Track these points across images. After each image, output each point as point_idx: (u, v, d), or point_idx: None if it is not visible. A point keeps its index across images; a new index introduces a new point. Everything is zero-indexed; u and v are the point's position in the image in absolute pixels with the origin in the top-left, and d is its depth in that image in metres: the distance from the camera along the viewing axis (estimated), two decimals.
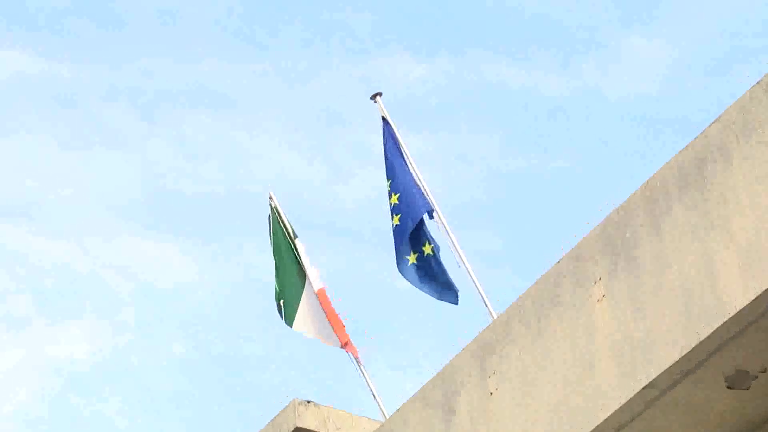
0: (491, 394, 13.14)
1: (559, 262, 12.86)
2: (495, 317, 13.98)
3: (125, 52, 48.98)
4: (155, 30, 49.04)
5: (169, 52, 49.05)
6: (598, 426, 12.10)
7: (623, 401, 11.89)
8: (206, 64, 48.71)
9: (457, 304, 16.89)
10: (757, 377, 11.58)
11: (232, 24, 49.20)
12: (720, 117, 11.66)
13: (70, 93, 47.98)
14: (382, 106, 17.84)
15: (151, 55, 49.26)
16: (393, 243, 17.25)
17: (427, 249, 17.03)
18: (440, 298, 16.99)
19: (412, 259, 17.17)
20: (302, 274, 18.46)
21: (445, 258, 17.27)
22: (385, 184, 17.58)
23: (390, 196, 17.31)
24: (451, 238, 16.86)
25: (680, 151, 11.93)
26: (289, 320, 18.28)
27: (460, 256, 16.61)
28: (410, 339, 44.72)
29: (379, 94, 17.84)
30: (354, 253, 45.81)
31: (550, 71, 47.83)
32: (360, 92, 17.70)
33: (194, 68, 48.96)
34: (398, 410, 14.40)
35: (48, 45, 48.80)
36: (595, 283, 12.39)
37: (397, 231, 17.13)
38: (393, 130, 17.58)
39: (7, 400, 48.53)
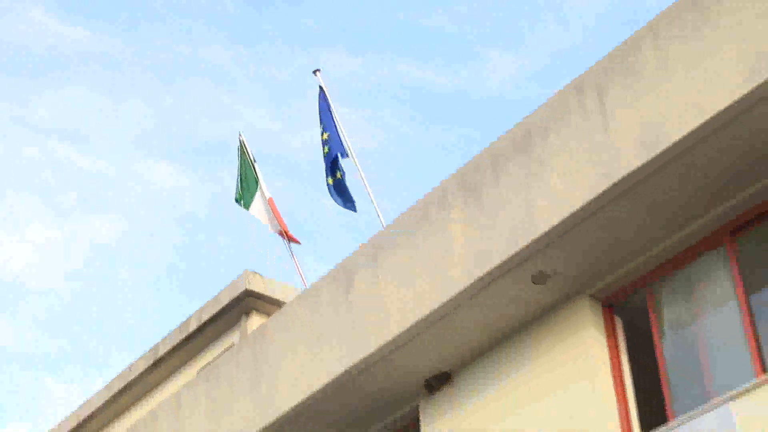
0: (378, 276, 13.39)
1: (430, 192, 13.15)
2: (384, 226, 14.04)
3: (154, 33, 50.26)
4: (176, 18, 50.19)
5: (182, 34, 50.26)
6: (446, 302, 12.36)
7: (462, 289, 12.22)
8: (208, 46, 50.31)
9: (355, 211, 17.25)
10: (550, 276, 12.03)
11: (227, 20, 50.60)
12: (542, 105, 12.12)
13: (111, 59, 49.43)
14: (320, 78, 17.82)
15: (171, 35, 50.51)
16: (324, 168, 17.40)
17: (338, 175, 17.25)
18: (345, 207, 17.24)
19: (330, 181, 17.39)
20: (258, 185, 18.61)
21: (352, 184, 17.57)
22: (318, 130, 17.55)
23: (322, 134, 17.37)
24: (359, 171, 17.05)
25: (515, 125, 12.33)
26: (247, 206, 18.54)
27: (364, 182, 16.83)
28: (329, 239, 46.22)
29: (318, 70, 17.88)
30: (296, 179, 47.18)
31: (438, 71, 49.40)
32: (309, 74, 18.02)
33: (199, 48, 50.42)
34: (314, 284, 14.54)
35: (100, 25, 49.85)
36: (453, 208, 12.72)
37: (327, 158, 17.28)
38: (326, 95, 17.60)
39: (53, 262, 50.57)
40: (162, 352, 21.02)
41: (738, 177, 11.01)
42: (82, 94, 50.11)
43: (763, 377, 10.28)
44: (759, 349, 10.75)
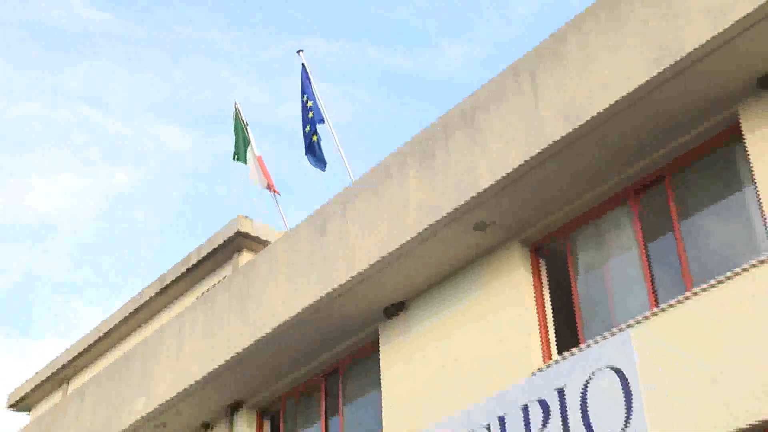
0: (347, 222, 13.39)
1: (391, 154, 13.16)
2: (353, 181, 14.16)
3: (166, 17, 50.96)
4: (184, 4, 51.03)
5: (188, 18, 51.09)
6: (403, 244, 12.38)
7: (416, 233, 12.25)
8: (210, 29, 50.98)
9: (324, 171, 16.97)
10: (489, 225, 12.07)
11: (226, 7, 51.32)
12: (485, 85, 12.15)
13: (130, 38, 50.30)
14: (303, 57, 17.53)
15: (180, 19, 51.27)
16: (307, 130, 16.95)
17: (314, 138, 16.98)
18: (316, 167, 16.95)
19: (310, 141, 17.19)
20: (249, 145, 18.52)
21: (325, 147, 17.54)
22: (300, 102, 17.19)
23: (307, 102, 17.00)
24: (333, 135, 16.89)
25: (462, 101, 12.39)
26: (243, 161, 18.48)
27: (337, 144, 16.63)
28: (307, 191, 46.99)
29: (301, 50, 17.68)
30: (280, 142, 47.67)
31: (401, 56, 50.36)
32: (293, 55, 18.21)
33: (202, 31, 51.08)
34: (295, 227, 14.52)
35: (121, 9, 50.77)
36: (410, 168, 12.77)
37: (311, 120, 16.90)
38: (308, 72, 17.39)
39: (81, 206, 51.03)
40: (168, 281, 21.15)
41: (642, 146, 11.14)
42: (106, 67, 51.16)
43: (656, 309, 10.46)
44: (653, 286, 10.93)
